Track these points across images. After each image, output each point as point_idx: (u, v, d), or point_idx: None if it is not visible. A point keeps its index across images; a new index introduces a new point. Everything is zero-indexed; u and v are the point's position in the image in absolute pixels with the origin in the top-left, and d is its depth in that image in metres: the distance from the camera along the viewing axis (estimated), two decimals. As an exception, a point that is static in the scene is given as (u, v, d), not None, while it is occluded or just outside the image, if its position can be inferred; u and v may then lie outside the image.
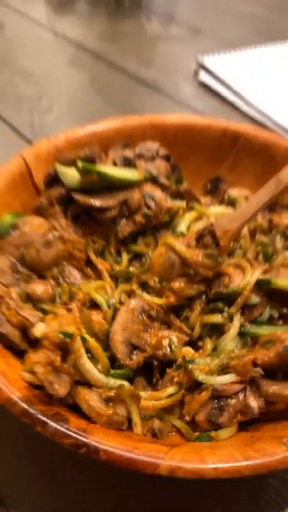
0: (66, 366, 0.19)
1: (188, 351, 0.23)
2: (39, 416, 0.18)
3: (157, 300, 0.24)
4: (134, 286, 0.25)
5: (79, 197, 0.27)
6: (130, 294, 0.25)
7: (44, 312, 0.23)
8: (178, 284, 0.24)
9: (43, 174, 0.30)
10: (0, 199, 0.28)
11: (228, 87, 0.51)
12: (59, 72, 0.55)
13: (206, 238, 0.25)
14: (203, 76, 0.53)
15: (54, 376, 0.19)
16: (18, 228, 0.27)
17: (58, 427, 0.18)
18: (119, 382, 0.20)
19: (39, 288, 0.25)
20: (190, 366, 0.21)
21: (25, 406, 0.18)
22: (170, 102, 0.49)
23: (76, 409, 0.20)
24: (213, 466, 0.17)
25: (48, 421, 0.18)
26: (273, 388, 0.21)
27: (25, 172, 0.30)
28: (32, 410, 0.18)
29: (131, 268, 0.27)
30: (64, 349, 0.20)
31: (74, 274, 0.27)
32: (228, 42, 0.61)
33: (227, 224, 0.25)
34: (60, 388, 0.19)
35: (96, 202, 0.27)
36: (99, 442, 0.17)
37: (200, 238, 0.25)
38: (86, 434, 0.17)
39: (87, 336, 0.21)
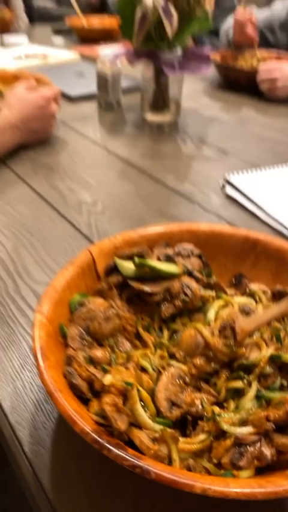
0: (126, 409, 0.26)
1: (216, 408, 0.29)
2: (106, 444, 0.24)
3: (183, 368, 0.31)
4: (165, 354, 0.32)
5: (133, 283, 0.35)
6: (162, 358, 0.32)
7: (105, 371, 0.30)
8: (199, 361, 0.31)
9: (104, 265, 0.39)
10: (72, 283, 0.37)
11: (250, 199, 0.61)
12: (111, 182, 0.67)
13: (227, 330, 0.32)
14: (229, 190, 0.64)
15: (117, 414, 0.25)
16: (85, 305, 0.35)
17: (120, 452, 0.24)
18: (162, 427, 0.27)
19: (99, 352, 0.32)
20: (218, 418, 0.27)
21: (95, 436, 0.24)
22: (202, 210, 0.59)
23: (129, 444, 0.26)
24: (235, 490, 0.22)
25: (113, 448, 0.24)
26: (282, 440, 0.26)
27: (91, 263, 0.39)
28: (100, 440, 0.24)
29: (163, 340, 0.34)
30: (124, 396, 0.26)
31: (126, 344, 0.34)
32: (250, 162, 0.73)
33: (245, 324, 0.32)
34: (121, 424, 0.25)
35: (146, 288, 0.35)
36: (150, 466, 0.23)
37: (222, 329, 0.33)
38: (140, 459, 0.23)
39: (140, 388, 0.27)
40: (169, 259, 0.40)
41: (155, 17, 0.76)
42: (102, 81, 0.94)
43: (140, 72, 0.88)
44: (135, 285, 0.35)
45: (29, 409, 0.34)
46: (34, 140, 0.74)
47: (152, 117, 0.88)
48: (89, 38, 1.60)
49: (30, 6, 2.11)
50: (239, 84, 1.11)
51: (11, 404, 0.34)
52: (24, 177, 0.67)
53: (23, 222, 0.56)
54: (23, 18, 1.95)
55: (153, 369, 0.31)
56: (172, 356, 0.32)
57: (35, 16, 2.17)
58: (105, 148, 0.79)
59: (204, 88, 1.15)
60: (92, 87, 1.02)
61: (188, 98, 1.04)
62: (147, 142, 0.82)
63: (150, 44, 0.80)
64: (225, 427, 0.27)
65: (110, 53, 0.89)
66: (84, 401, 0.29)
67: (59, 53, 1.39)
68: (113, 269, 0.39)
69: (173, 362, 0.31)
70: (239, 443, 0.26)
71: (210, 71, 0.92)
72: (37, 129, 0.72)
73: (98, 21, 1.72)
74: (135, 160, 0.74)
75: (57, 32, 1.78)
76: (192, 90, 1.10)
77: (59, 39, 1.60)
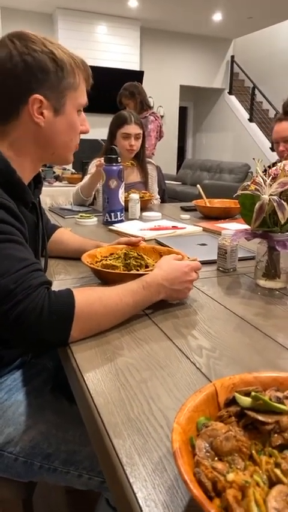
0: (243, 503, 0.33)
1: None
2: (227, 525, 0.32)
3: (284, 479, 0.37)
4: (271, 461, 0.39)
5: (249, 413, 0.45)
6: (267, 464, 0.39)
7: (224, 476, 0.38)
8: None
9: (224, 397, 0.49)
10: (200, 407, 0.47)
11: None
12: (227, 334, 0.79)
13: None
14: None
15: (237, 505, 0.33)
16: (210, 425, 0.45)
17: (238, 534, 0.31)
18: (272, 528, 0.33)
19: (219, 464, 0.41)
20: None
21: (219, 518, 0.32)
22: (308, 366, 0.67)
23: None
24: None
25: (232, 529, 0.31)
26: None
27: (214, 394, 0.50)
28: (223, 521, 0.32)
29: (274, 451, 0.41)
30: (242, 494, 0.34)
31: (240, 463, 0.42)
32: None
33: None
34: (239, 513, 0.33)
35: (259, 417, 0.44)
36: None
37: None
38: None
39: (255, 491, 0.35)
40: (279, 400, 0.48)
41: (270, 208, 0.97)
42: (222, 252, 1.15)
43: (255, 245, 1.06)
44: (251, 413, 0.44)
45: (157, 505, 0.42)
46: (174, 298, 0.90)
47: (264, 283, 1.03)
48: (210, 215, 1.93)
49: (163, 190, 2.64)
50: None
51: (143, 497, 0.43)
52: (157, 322, 0.83)
53: (156, 357, 0.70)
54: (157, 199, 2.44)
55: (264, 483, 0.38)
56: (277, 465, 0.39)
57: (167, 197, 2.68)
58: (222, 305, 0.93)
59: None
60: (212, 255, 1.23)
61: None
62: (259, 303, 0.95)
63: (265, 227, 1.00)
64: None
65: (230, 232, 1.12)
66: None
67: (186, 226, 1.71)
68: (232, 401, 0.49)
69: (277, 471, 0.38)
70: None
71: None
72: (178, 289, 0.88)
73: (218, 202, 2.08)
74: (249, 317, 0.86)
75: (184, 209, 2.18)
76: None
77: (185, 215, 1.95)
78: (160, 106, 8.08)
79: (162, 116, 8.01)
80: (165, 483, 0.45)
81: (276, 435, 0.44)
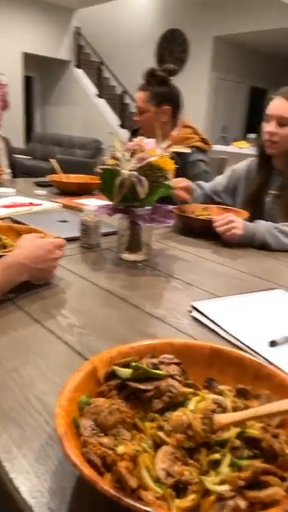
0: (135, 472, 0.34)
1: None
2: (122, 497, 0.32)
3: (168, 440, 0.40)
4: (155, 425, 0.41)
5: (130, 383, 0.45)
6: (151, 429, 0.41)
7: (113, 450, 0.38)
8: (180, 437, 0.40)
9: (103, 372, 0.49)
10: (79, 386, 0.46)
11: (211, 321, 0.75)
12: (97, 309, 0.80)
13: (207, 419, 0.43)
14: (195, 314, 0.78)
15: (130, 475, 0.33)
16: (93, 402, 0.44)
17: (133, 503, 0.32)
18: (163, 488, 0.35)
19: (105, 439, 0.41)
20: (202, 478, 0.36)
21: (113, 492, 0.32)
22: (175, 330, 0.72)
23: (138, 504, 0.33)
24: (220, 524, 0.30)
25: (127, 499, 0.32)
26: (251, 494, 0.35)
27: (93, 370, 0.49)
28: (117, 494, 0.32)
29: (155, 415, 0.43)
30: (133, 463, 0.35)
31: (126, 434, 0.43)
32: (209, 292, 0.89)
33: (222, 419, 0.43)
34: (133, 483, 0.33)
35: (140, 386, 0.45)
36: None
37: (203, 418, 0.43)
38: (151, 506, 0.31)
39: (144, 458, 0.36)
40: (155, 366, 0.51)
41: (130, 184, 0.99)
42: (85, 228, 1.14)
43: (116, 220, 1.08)
44: (132, 384, 0.45)
45: (44, 495, 0.40)
46: (39, 278, 0.85)
47: (127, 256, 1.06)
48: (67, 190, 1.89)
49: (14, 163, 2.47)
50: (195, 230, 1.35)
51: (27, 490, 0.40)
52: (22, 306, 0.78)
53: (26, 343, 0.66)
54: (7, 173, 2.28)
55: (150, 448, 0.39)
56: (160, 428, 0.41)
57: (17, 171, 2.52)
58: (89, 280, 0.93)
59: (169, 233, 1.38)
60: (74, 231, 1.21)
61: (157, 241, 1.25)
62: (125, 275, 0.98)
63: (126, 202, 1.02)
64: (210, 486, 0.35)
65: (92, 208, 1.11)
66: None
67: (43, 202, 1.64)
68: (111, 374, 0.49)
69: (160, 434, 0.40)
70: (221, 498, 0.34)
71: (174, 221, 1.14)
72: (42, 268, 0.83)
73: (75, 178, 2.05)
74: (116, 290, 0.88)
75: (39, 185, 2.09)
76: (160, 235, 1.33)
77: (41, 191, 1.87)
78: (2, 73, 7.46)
79: (5, 85, 7.43)
80: (50, 470, 0.43)
81: (156, 400, 0.45)
